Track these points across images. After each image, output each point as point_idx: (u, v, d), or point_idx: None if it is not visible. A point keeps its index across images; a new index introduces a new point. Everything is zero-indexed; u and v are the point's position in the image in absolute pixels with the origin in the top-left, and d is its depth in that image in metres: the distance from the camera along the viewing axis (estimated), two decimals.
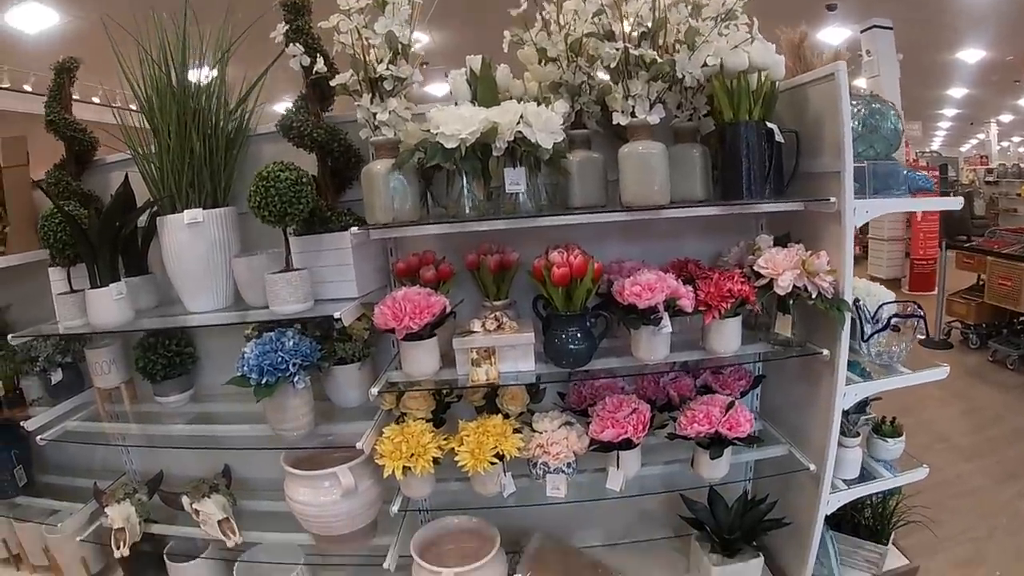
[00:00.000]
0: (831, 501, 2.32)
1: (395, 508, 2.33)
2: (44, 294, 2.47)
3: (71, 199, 2.47)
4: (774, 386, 2.60)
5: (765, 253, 2.05)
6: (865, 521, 2.65)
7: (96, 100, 5.54)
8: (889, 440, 2.48)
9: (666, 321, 1.97)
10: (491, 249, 2.29)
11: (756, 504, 2.50)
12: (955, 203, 2.33)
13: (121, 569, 2.79)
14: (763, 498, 2.52)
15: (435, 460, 2.16)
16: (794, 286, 1.99)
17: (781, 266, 1.99)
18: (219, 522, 2.48)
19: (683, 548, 2.78)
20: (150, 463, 2.90)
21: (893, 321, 2.23)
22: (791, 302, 2.07)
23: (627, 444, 2.11)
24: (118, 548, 2.49)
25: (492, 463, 2.10)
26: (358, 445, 2.16)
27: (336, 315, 2.02)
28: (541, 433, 2.19)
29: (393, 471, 2.12)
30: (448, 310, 2.09)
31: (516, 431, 2.19)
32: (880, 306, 2.25)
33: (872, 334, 2.23)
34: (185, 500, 2.56)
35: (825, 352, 2.12)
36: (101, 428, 2.65)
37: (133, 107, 2.33)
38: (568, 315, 2.02)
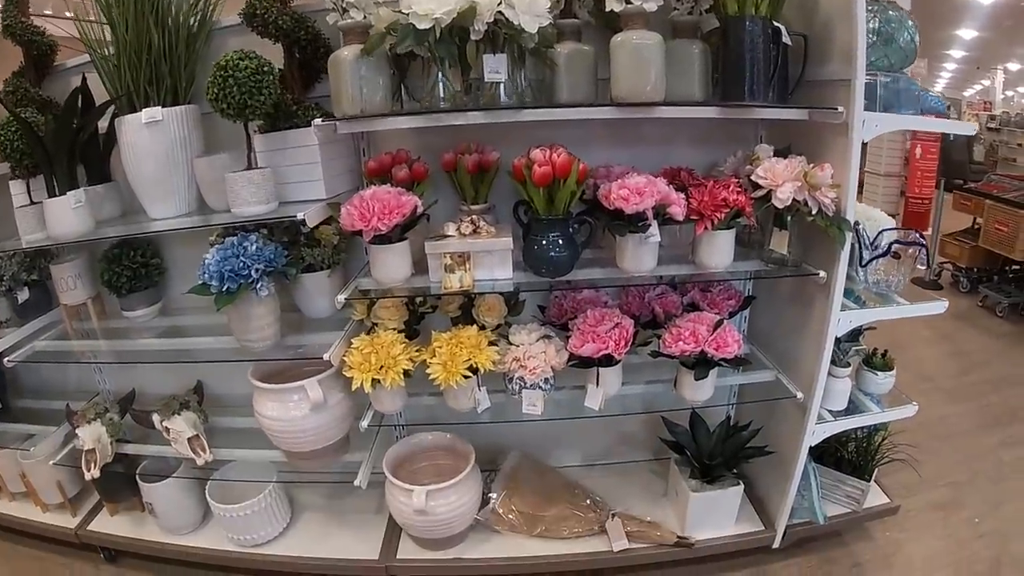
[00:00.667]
0: (817, 432, 2.19)
1: (365, 423, 2.21)
2: (8, 211, 2.27)
3: (29, 106, 2.26)
4: (764, 308, 2.43)
5: (766, 163, 1.85)
6: (848, 456, 2.52)
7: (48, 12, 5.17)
8: (880, 374, 2.32)
9: (654, 229, 1.79)
10: (469, 148, 2.09)
11: (739, 430, 2.37)
12: (969, 128, 2.15)
13: (96, 491, 2.69)
14: (746, 424, 2.40)
15: (406, 373, 2.01)
16: (793, 199, 1.79)
17: (781, 177, 1.80)
18: (189, 439, 2.33)
19: (662, 471, 2.67)
20: (123, 382, 2.76)
21: (894, 247, 2.05)
22: (789, 217, 1.88)
23: (608, 360, 1.95)
24: (88, 470, 2.35)
25: (465, 376, 1.96)
26: (325, 356, 2.00)
27: (300, 216, 1.82)
28: (518, 346, 2.04)
29: (362, 384, 1.98)
30: (420, 211, 1.89)
31: (492, 344, 2.04)
32: (880, 232, 2.06)
33: (871, 259, 2.05)
34: (155, 418, 2.41)
35: (821, 274, 1.94)
36: (70, 347, 2.50)
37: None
38: (549, 219, 1.84)
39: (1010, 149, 12.70)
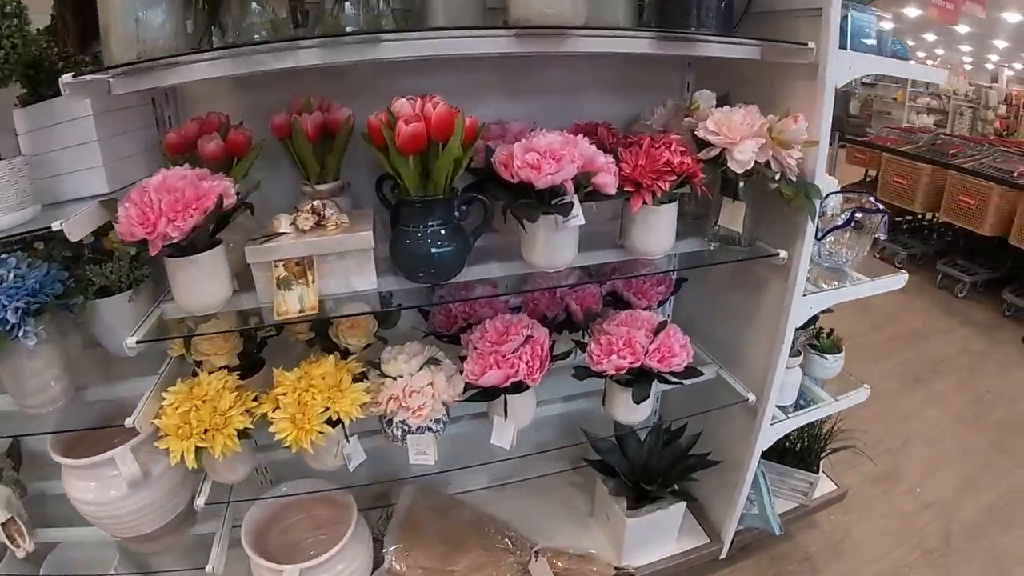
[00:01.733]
0: (769, 433, 1.75)
1: (201, 501, 1.53)
2: None
3: None
4: (693, 291, 1.91)
5: (715, 114, 1.33)
6: (791, 446, 2.12)
7: None
8: (828, 357, 1.90)
9: (577, 209, 1.24)
10: (309, 105, 1.43)
11: (674, 436, 1.90)
12: (941, 76, 1.74)
13: None
14: (680, 428, 1.92)
15: (243, 433, 1.37)
16: (755, 161, 1.29)
17: (738, 131, 1.28)
18: (2, 525, 1.56)
19: (585, 484, 2.18)
20: None
21: (857, 217, 1.61)
22: (742, 184, 1.39)
23: (519, 387, 1.41)
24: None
25: (324, 431, 1.35)
26: (128, 422, 1.34)
27: (56, 225, 1.13)
28: (395, 379, 1.43)
29: (183, 456, 1.32)
30: (233, 202, 1.23)
31: (359, 378, 1.44)
32: (826, 196, 1.60)
33: (828, 231, 1.60)
34: None
35: (782, 254, 1.47)
36: None
37: None
38: (425, 201, 1.24)
39: (885, 103, 12.76)
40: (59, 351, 1.39)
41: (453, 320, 1.59)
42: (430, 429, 1.47)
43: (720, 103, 1.45)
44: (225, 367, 1.49)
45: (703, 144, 1.33)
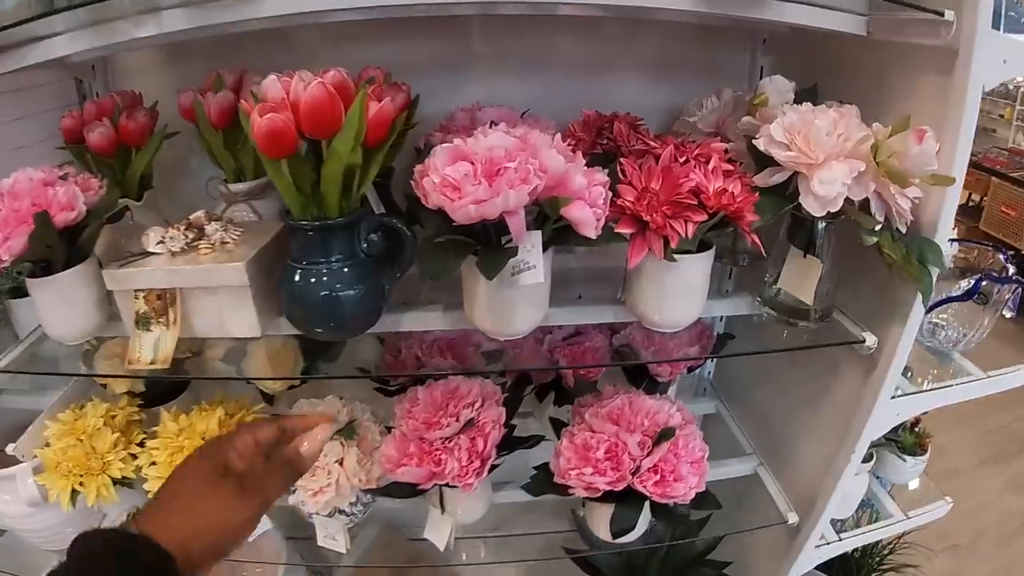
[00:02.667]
0: (812, 558, 1.19)
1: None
2: None
3: None
4: (742, 347, 1.26)
5: (788, 115, 0.75)
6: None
7: None
8: (908, 459, 1.29)
9: (536, 258, 0.72)
10: (219, 80, 0.94)
11: (688, 532, 1.34)
12: None
13: None
14: (699, 521, 1.31)
15: (123, 481, 1.00)
16: (845, 198, 0.73)
17: (822, 147, 0.71)
18: None
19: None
20: None
21: (982, 285, 1.02)
22: (822, 231, 0.83)
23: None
24: None
25: None
26: (10, 448, 1.01)
27: None
28: None
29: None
30: (74, 216, 0.80)
31: None
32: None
33: (939, 304, 1.03)
34: None
35: (868, 340, 0.89)
36: None
37: None
38: (309, 227, 0.75)
39: (991, 120, 11.17)
40: None
41: (402, 364, 1.10)
42: (342, 512, 1.02)
43: (801, 99, 0.89)
44: (127, 393, 1.09)
45: (764, 160, 0.77)
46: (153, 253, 0.86)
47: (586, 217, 0.67)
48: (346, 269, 0.77)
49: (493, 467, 0.92)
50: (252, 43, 1.00)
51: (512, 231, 0.65)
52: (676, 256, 0.72)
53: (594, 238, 0.68)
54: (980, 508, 2.21)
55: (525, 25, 1.05)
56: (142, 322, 0.86)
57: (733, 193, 0.71)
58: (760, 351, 1.16)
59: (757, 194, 0.73)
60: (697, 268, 0.79)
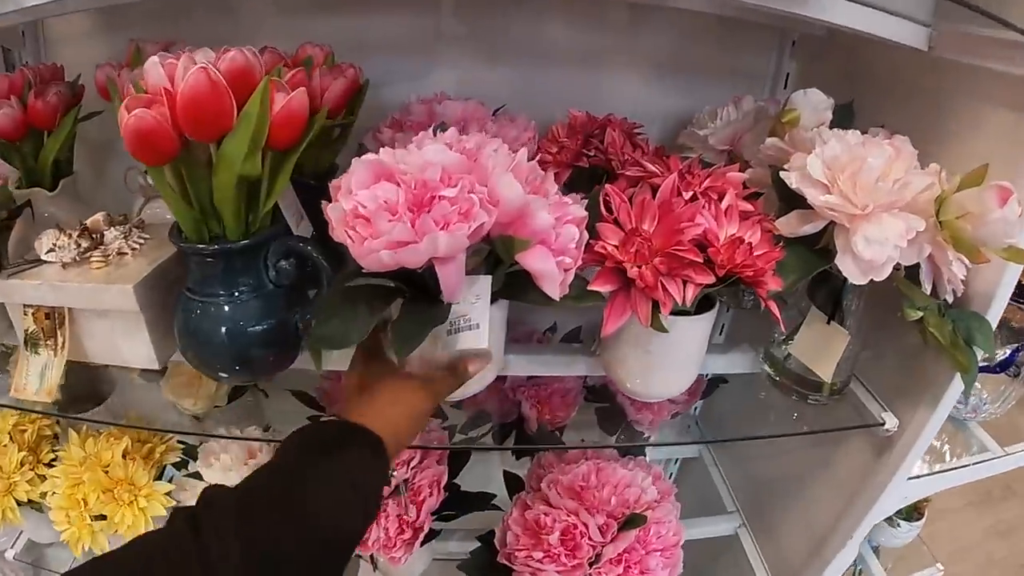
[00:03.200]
0: None
1: (11, 553, 1.04)
2: None
3: None
4: (735, 391, 1.08)
5: (830, 144, 0.54)
6: None
7: None
8: (903, 524, 1.09)
9: (481, 313, 0.51)
10: (138, 57, 0.72)
11: None
12: None
13: None
14: None
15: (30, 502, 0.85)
16: (896, 264, 0.54)
17: (873, 195, 0.51)
18: None
19: None
20: None
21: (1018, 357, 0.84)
22: (856, 298, 0.64)
23: None
24: None
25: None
26: None
27: None
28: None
29: None
30: None
31: (169, 471, 0.84)
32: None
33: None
34: None
35: (888, 423, 0.70)
36: None
37: None
38: (199, 251, 0.56)
39: None
40: None
41: (339, 394, 0.90)
42: None
43: (839, 118, 0.70)
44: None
45: (792, 199, 0.57)
46: (47, 262, 0.68)
47: (548, 270, 0.47)
48: (251, 302, 0.58)
49: (433, 533, 0.75)
50: (198, 10, 0.83)
51: (443, 286, 0.46)
52: (669, 319, 0.53)
53: (557, 298, 0.49)
54: (963, 550, 2.04)
55: (508, 2, 0.84)
56: (31, 343, 0.69)
57: (750, 246, 0.52)
58: (756, 437, 0.99)
59: (781, 249, 0.53)
60: (693, 335, 0.60)
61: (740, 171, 0.60)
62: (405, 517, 0.69)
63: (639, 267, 0.52)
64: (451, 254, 0.45)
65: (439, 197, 0.44)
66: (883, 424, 0.70)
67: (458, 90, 0.79)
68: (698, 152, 0.79)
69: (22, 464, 0.84)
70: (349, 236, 0.45)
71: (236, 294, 0.58)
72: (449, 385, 0.56)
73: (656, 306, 0.52)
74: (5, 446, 0.85)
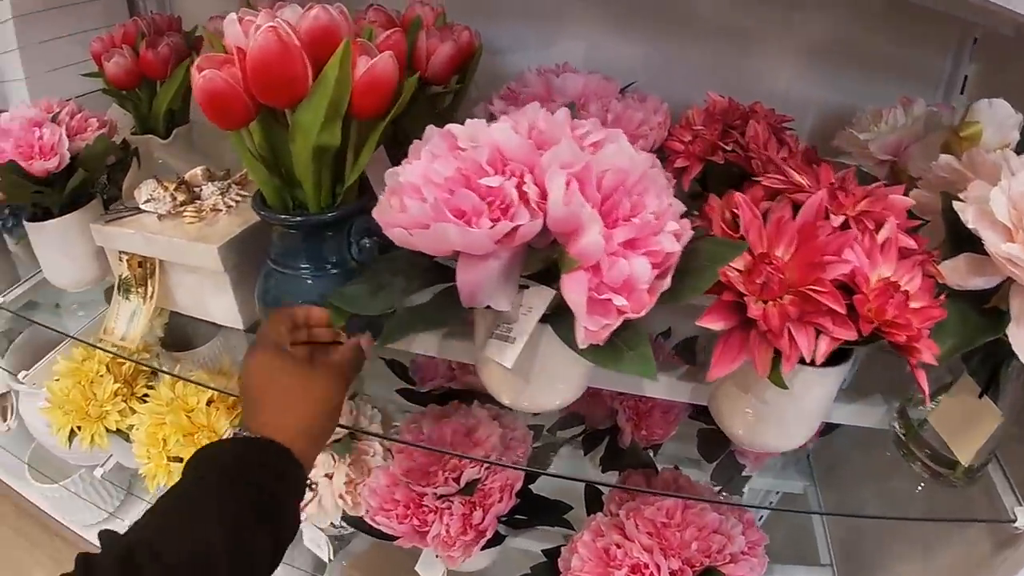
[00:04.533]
0: None
1: (100, 471, 1.14)
2: None
3: None
4: (857, 437, 0.95)
5: (1019, 175, 0.45)
6: None
7: None
8: None
9: (523, 328, 0.46)
10: (250, 4, 0.73)
11: None
12: None
13: None
14: None
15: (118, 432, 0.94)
16: None
17: None
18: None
19: None
20: None
21: None
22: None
23: None
24: None
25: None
26: (21, 376, 1.01)
27: None
28: None
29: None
30: (63, 155, 0.71)
31: None
32: None
33: None
34: None
35: (1020, 521, 0.59)
36: None
37: None
38: (286, 223, 0.57)
39: None
40: None
41: (433, 370, 0.91)
42: (318, 527, 0.89)
43: None
44: None
45: (963, 238, 0.48)
46: (145, 211, 0.73)
47: (576, 303, 0.41)
48: (332, 279, 0.59)
49: (497, 536, 0.74)
50: None
51: (458, 284, 0.43)
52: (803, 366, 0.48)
53: (580, 344, 0.43)
54: None
55: None
56: (123, 288, 0.76)
57: (906, 296, 0.45)
58: (864, 515, 0.89)
59: (942, 307, 0.46)
60: (820, 391, 0.53)
61: (905, 192, 0.52)
62: (470, 519, 0.69)
63: (764, 303, 0.46)
64: (471, 251, 0.41)
65: (480, 184, 0.40)
66: (1014, 521, 0.60)
67: (585, 62, 0.74)
68: (855, 160, 0.70)
69: (116, 395, 0.93)
70: (389, 204, 0.43)
71: (317, 269, 0.59)
72: (355, 365, 0.53)
73: (778, 356, 0.46)
74: (102, 376, 0.94)
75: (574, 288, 0.40)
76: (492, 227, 0.39)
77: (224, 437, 0.49)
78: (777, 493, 1.17)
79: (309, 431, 0.48)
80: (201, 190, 0.74)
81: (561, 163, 0.40)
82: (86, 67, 0.92)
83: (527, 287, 0.47)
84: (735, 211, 0.50)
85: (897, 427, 0.64)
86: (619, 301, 0.41)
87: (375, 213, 0.45)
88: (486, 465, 0.71)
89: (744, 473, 0.91)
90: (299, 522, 0.49)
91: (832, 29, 0.79)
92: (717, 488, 0.83)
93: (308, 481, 0.53)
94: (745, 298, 0.46)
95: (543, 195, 0.40)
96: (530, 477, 0.77)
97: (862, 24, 0.77)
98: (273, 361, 0.50)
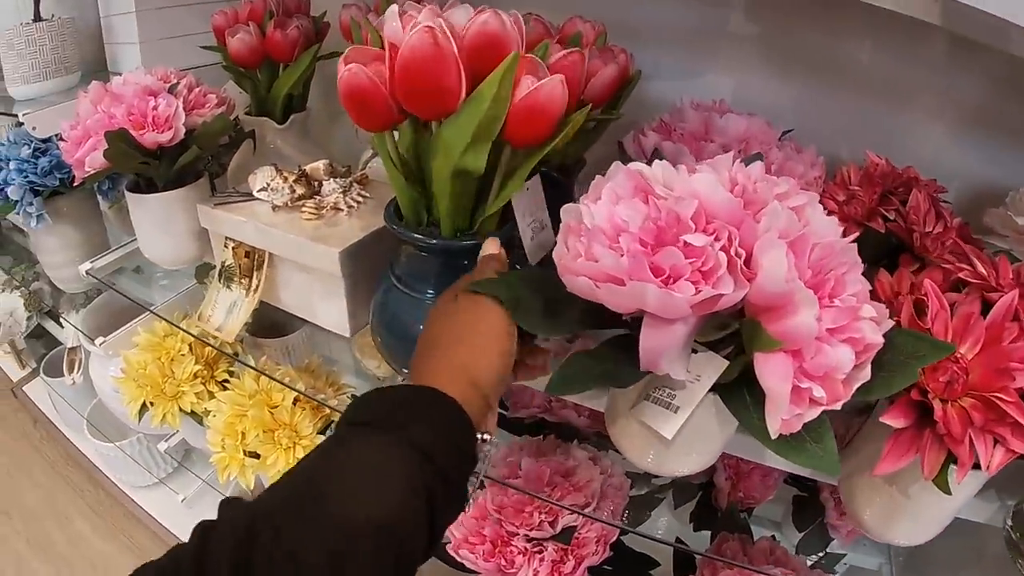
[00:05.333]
0: None
1: (164, 445, 1.22)
2: None
3: None
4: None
5: None
6: None
7: None
8: None
9: (690, 398, 0.44)
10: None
11: None
12: None
13: None
14: None
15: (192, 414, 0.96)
16: None
17: None
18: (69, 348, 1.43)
19: None
20: None
21: None
22: None
23: None
24: None
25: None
26: (99, 341, 1.01)
27: (22, 117, 0.87)
28: None
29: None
30: (179, 130, 0.71)
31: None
32: None
33: None
34: None
35: None
36: None
37: None
38: (418, 244, 0.55)
39: None
40: (81, 235, 1.03)
41: (528, 398, 0.90)
42: None
43: None
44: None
45: None
46: (257, 199, 0.73)
47: (777, 392, 0.39)
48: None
49: None
50: None
51: (640, 347, 0.41)
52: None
53: (772, 435, 0.40)
54: None
55: (810, 5, 0.75)
56: (225, 275, 0.75)
57: None
58: None
59: None
60: (969, 491, 0.50)
61: None
62: (560, 569, 0.68)
63: (945, 403, 0.45)
64: (663, 315, 0.39)
65: (681, 241, 0.38)
66: None
67: (734, 98, 0.73)
68: (1008, 243, 0.67)
69: (195, 376, 0.94)
70: (565, 245, 0.42)
71: (417, 294, 0.57)
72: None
73: (948, 461, 0.44)
74: (183, 355, 0.95)
75: (776, 372, 0.38)
76: (696, 293, 0.37)
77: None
78: (846, 564, 1.14)
79: (478, 380, 0.42)
80: (322, 185, 0.73)
81: (780, 232, 0.38)
82: (200, 39, 0.94)
83: (695, 351, 0.45)
84: (922, 297, 0.48)
85: (1009, 527, 0.61)
86: (818, 392, 0.39)
87: (556, 256, 0.43)
88: (589, 508, 0.70)
89: (833, 549, 0.88)
90: (467, 496, 0.41)
91: (991, 99, 0.75)
92: (810, 564, 0.80)
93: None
94: (930, 398, 0.45)
95: (748, 261, 0.39)
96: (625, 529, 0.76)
97: (1019, 92, 0.74)
98: (440, 313, 0.47)
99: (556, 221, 0.61)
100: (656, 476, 0.84)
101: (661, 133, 0.65)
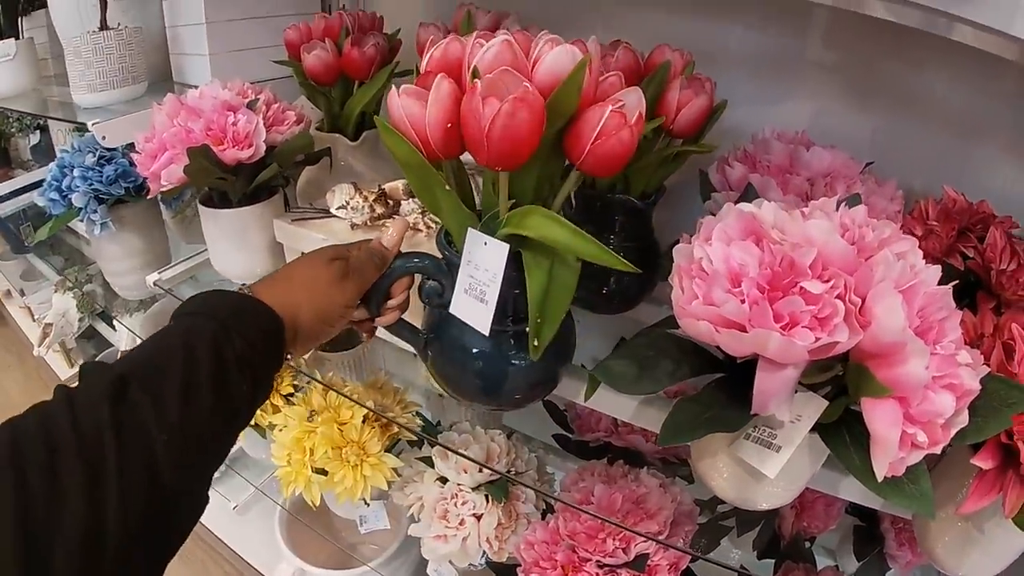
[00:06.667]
0: None
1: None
2: None
3: None
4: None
5: None
6: None
7: None
8: None
9: (791, 437, 0.49)
10: (471, 18, 0.81)
11: None
12: None
13: None
14: None
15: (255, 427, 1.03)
16: None
17: None
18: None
19: None
20: None
21: None
22: None
23: None
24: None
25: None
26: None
27: (91, 126, 0.93)
28: (439, 481, 0.90)
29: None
30: (249, 155, 0.75)
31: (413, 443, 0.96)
32: None
33: None
34: None
35: None
36: None
37: None
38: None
39: None
40: (143, 243, 1.10)
41: (593, 422, 0.96)
42: (452, 563, 0.95)
43: None
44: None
45: None
46: (335, 216, 0.79)
47: (887, 439, 0.43)
48: (506, 339, 0.59)
49: None
50: None
51: (755, 391, 0.46)
52: None
53: (879, 478, 0.44)
54: None
55: (888, 37, 0.79)
56: None
57: None
58: None
59: None
60: None
61: None
62: None
63: None
64: (781, 360, 0.43)
65: (799, 288, 0.43)
66: None
67: (811, 126, 0.76)
68: None
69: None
70: (680, 287, 0.46)
71: (497, 322, 0.56)
72: (372, 268, 0.59)
73: None
74: (351, 413, 0.95)
75: (885, 419, 0.43)
76: (815, 341, 0.41)
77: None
78: None
79: (310, 319, 0.55)
80: (399, 205, 0.79)
81: (892, 282, 0.42)
82: (269, 52, 0.99)
83: (795, 391, 0.50)
84: (1009, 341, 0.53)
85: None
86: (921, 437, 0.43)
87: (675, 304, 0.47)
88: (662, 535, 0.75)
89: None
90: (266, 395, 0.53)
91: None
92: None
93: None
94: (1017, 441, 0.49)
95: (861, 309, 0.43)
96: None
97: None
98: (312, 257, 0.58)
99: (642, 246, 0.67)
100: (721, 503, 0.89)
101: (746, 164, 0.70)
